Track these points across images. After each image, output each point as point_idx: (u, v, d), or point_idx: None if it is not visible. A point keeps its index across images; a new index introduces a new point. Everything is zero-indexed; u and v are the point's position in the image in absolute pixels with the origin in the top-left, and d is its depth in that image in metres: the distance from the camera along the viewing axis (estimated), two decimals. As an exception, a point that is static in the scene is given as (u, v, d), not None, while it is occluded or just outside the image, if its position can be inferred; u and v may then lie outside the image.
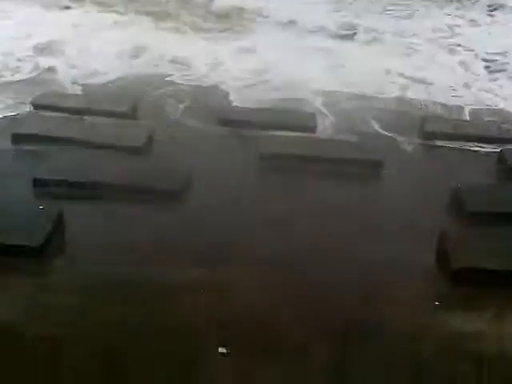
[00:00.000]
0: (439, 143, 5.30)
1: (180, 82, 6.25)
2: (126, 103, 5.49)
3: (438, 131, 5.38)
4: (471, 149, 5.22)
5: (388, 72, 6.72)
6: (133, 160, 4.64)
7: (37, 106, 5.42)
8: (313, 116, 5.57)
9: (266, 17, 8.00)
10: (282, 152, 4.86)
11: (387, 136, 5.38)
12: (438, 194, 4.46)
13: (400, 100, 6.18)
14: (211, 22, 7.79)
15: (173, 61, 6.61)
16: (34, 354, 2.90)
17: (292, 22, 7.82)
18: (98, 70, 6.34)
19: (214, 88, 6.18)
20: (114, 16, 7.68)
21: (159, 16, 7.78)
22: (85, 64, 6.43)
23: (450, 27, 8.04)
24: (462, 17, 8.44)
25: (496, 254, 3.69)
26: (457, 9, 8.73)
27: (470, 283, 3.54)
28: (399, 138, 5.34)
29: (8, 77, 6.11)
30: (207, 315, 3.19)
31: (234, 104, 5.88)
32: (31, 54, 6.53)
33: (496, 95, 6.37)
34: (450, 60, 7.11)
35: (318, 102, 5.99)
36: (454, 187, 4.44)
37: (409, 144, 5.26)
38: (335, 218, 4.14)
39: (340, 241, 3.91)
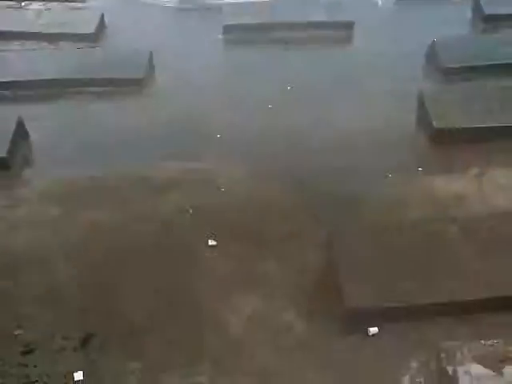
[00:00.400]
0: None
1: None
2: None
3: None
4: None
5: None
6: (88, 49, 4.31)
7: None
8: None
9: None
10: (246, 22, 4.56)
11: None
12: (413, 51, 4.27)
13: None
14: None
15: None
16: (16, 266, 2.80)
17: None
18: None
19: None
20: None
21: None
22: None
23: None
24: None
25: (475, 111, 3.59)
26: None
27: (451, 143, 3.47)
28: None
29: None
30: (191, 208, 3.10)
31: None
32: None
33: None
34: None
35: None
36: (430, 42, 4.25)
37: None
38: (308, 86, 3.98)
39: (315, 109, 3.75)
